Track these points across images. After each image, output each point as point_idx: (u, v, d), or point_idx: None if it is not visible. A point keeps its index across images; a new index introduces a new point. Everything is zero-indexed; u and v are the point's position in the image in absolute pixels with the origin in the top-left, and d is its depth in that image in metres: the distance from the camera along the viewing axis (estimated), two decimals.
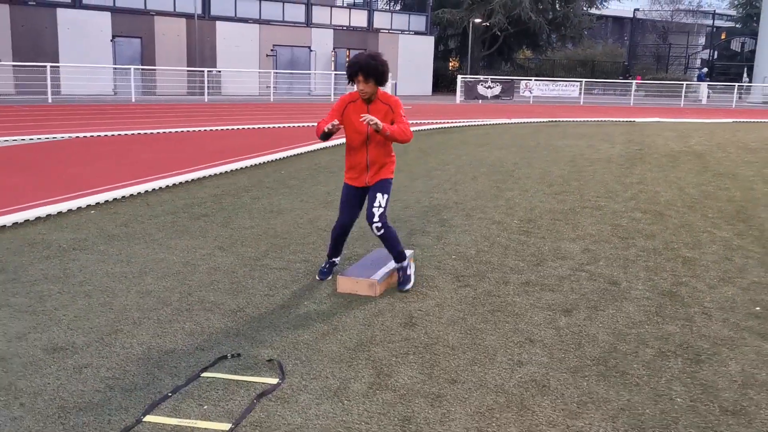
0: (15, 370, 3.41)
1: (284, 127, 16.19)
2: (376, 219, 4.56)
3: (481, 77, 30.04)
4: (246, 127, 15.76)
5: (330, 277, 4.95)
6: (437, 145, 13.54)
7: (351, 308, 4.39)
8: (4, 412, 3.01)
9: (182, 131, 14.43)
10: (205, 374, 3.42)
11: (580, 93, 30.44)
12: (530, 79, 30.92)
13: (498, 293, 4.75)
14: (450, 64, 44.19)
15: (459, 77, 29.74)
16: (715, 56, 49.52)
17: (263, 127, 15.84)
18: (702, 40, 56.53)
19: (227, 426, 2.93)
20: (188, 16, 27.25)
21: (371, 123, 4.27)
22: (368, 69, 4.34)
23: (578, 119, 21.57)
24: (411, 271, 4.83)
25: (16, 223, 6.26)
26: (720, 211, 7.77)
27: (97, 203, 7.20)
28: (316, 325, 4.11)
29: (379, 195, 4.60)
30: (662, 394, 3.31)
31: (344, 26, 32.51)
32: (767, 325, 4.29)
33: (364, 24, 33.10)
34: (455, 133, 16.39)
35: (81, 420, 2.96)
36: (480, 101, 28.86)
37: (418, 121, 18.44)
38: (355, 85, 4.42)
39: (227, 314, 4.25)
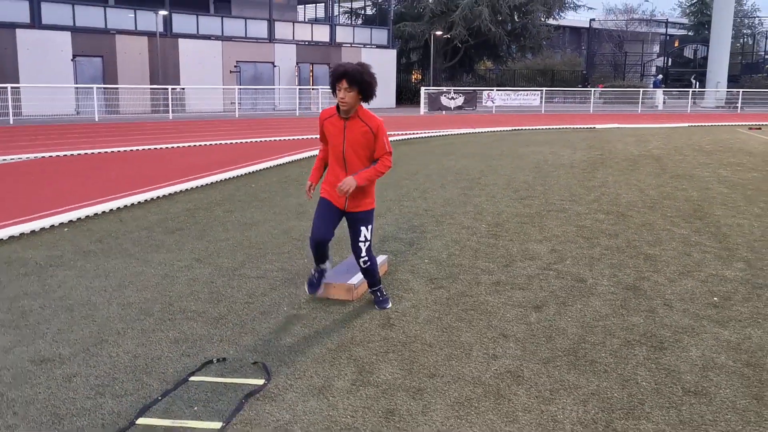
0: (5, 382, 3.48)
1: (251, 142, 16.27)
2: (363, 254, 4.39)
3: (444, 89, 30.49)
4: (213, 143, 15.79)
5: (321, 291, 4.68)
6: (404, 156, 13.75)
7: (330, 312, 4.53)
8: None
9: (148, 149, 14.41)
10: (192, 378, 3.53)
11: (541, 102, 31.07)
12: (492, 89, 31.45)
13: (471, 293, 4.94)
14: (413, 77, 44.67)
15: (422, 89, 30.14)
16: (669, 63, 50.94)
17: (230, 143, 15.89)
18: (656, 48, 58.15)
19: (219, 425, 3.05)
20: (150, 34, 27.15)
21: (342, 192, 4.13)
22: (353, 75, 4.00)
23: (540, 127, 22.05)
24: (384, 291, 4.67)
25: (12, 236, 6.26)
26: (678, 210, 8.10)
27: (70, 221, 7.22)
28: (296, 328, 4.24)
29: (363, 229, 4.37)
30: (629, 379, 3.52)
31: (307, 41, 32.70)
32: (724, 313, 4.55)
33: (327, 39, 33.35)
34: (420, 143, 16.65)
35: (75, 425, 3.05)
36: (444, 112, 29.26)
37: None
38: (337, 94, 4.07)
39: (210, 322, 4.35)
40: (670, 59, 51.45)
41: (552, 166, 12.12)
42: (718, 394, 3.36)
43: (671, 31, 55.69)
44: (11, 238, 6.48)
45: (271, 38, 31.03)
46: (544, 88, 31.63)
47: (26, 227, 6.72)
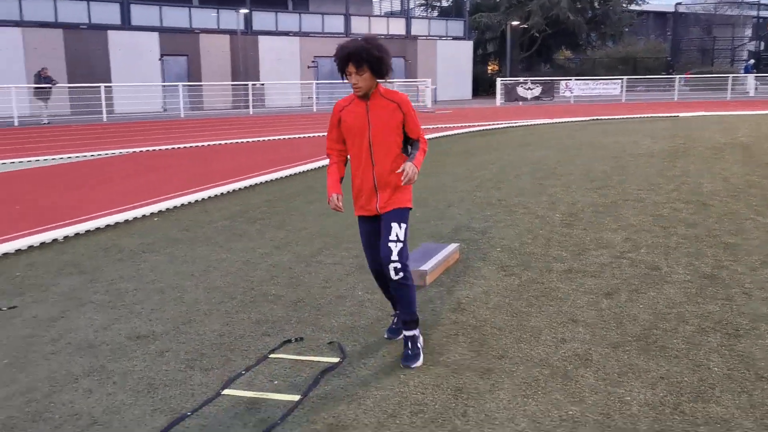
0: (105, 355, 3.81)
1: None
2: (394, 256, 3.53)
3: (521, 79, 30.10)
4: (292, 136, 16.24)
5: (401, 336, 3.84)
6: (479, 147, 13.75)
7: None
8: (101, 389, 3.39)
9: (230, 143, 14.98)
10: (272, 355, 3.75)
11: (622, 90, 30.20)
12: (570, 79, 30.81)
13: (542, 280, 4.99)
14: (489, 68, 44.26)
15: (498, 80, 29.86)
16: (762, 47, 48.38)
17: (308, 136, 16.29)
18: (748, 32, 55.31)
19: (297, 397, 3.25)
20: (231, 33, 28.04)
21: (408, 173, 3.50)
22: (360, 55, 3.47)
23: (620, 117, 21.49)
24: (421, 343, 3.73)
25: (89, 230, 6.75)
26: (764, 199, 7.82)
27: (160, 211, 7.66)
28: (370, 311, 4.42)
29: (395, 225, 3.60)
30: (700, 365, 3.51)
31: (383, 35, 32.94)
32: None
33: (402, 32, 33.50)
34: (496, 134, 16.57)
35: (168, 394, 3.32)
36: (520, 103, 28.91)
37: (459, 125, 18.68)
38: (348, 80, 3.57)
39: (288, 305, 4.59)
40: (762, 43, 48.84)
41: (631, 156, 11.86)
42: None
43: (764, 13, 52.80)
44: (108, 226, 6.95)
45: (347, 32, 31.46)
46: (625, 77, 30.71)
47: (121, 217, 7.19)
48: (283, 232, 6.70)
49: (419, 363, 3.59)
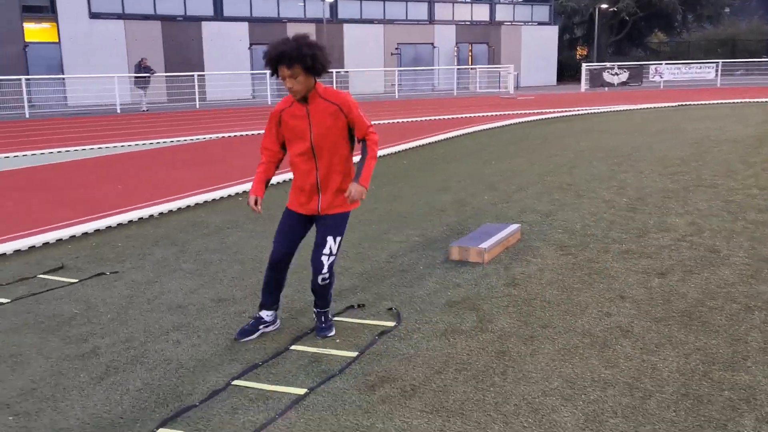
0: (192, 314, 4.33)
1: (408, 121, 16.98)
2: (324, 270, 3.67)
3: (608, 64, 29.39)
4: (372, 122, 16.66)
5: (255, 336, 3.84)
6: (557, 133, 13.76)
7: (461, 272, 5.00)
8: (187, 341, 3.90)
9: None
10: (337, 318, 4.16)
11: (717, 75, 28.99)
12: (660, 63, 29.83)
13: (597, 260, 5.18)
14: (577, 53, 43.31)
15: (583, 65, 29.28)
16: None
17: (388, 122, 16.70)
18: None
19: (355, 354, 3.64)
20: (317, 21, 28.78)
21: (354, 198, 3.56)
22: (290, 55, 3.31)
23: (712, 102, 20.75)
24: (331, 319, 3.99)
25: (180, 208, 7.39)
26: None
27: (243, 191, 8.25)
28: (429, 284, 4.76)
29: (330, 239, 3.67)
30: (738, 339, 3.66)
31: (466, 21, 32.90)
32: None
33: (486, 18, 33.32)
34: (576, 121, 16.45)
35: (243, 347, 3.78)
36: (606, 89, 28.28)
37: (539, 111, 18.61)
38: (283, 83, 3.45)
39: (354, 276, 4.99)
40: None
41: (714, 142, 11.60)
42: None
43: None
44: (197, 204, 7.58)
45: (431, 20, 31.62)
46: (720, 60, 29.45)
47: (208, 196, 7.81)
48: (353, 212, 7.09)
49: (333, 333, 3.87)
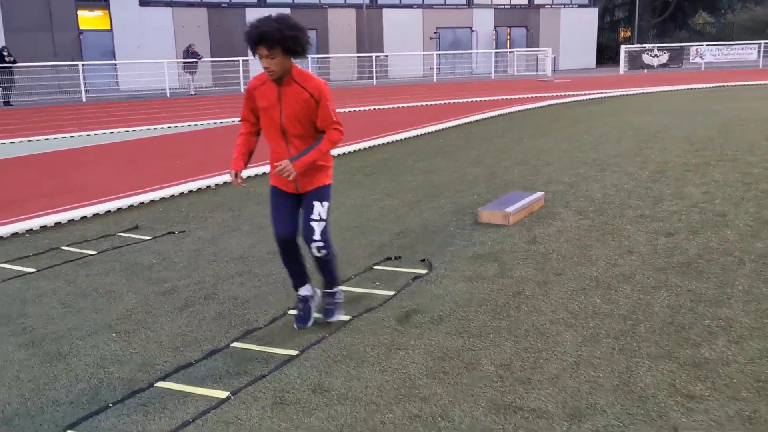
0: (251, 263, 5.02)
1: (445, 103, 17.50)
2: (316, 236, 3.60)
3: (647, 46, 29.32)
4: (411, 104, 17.26)
5: (311, 323, 3.83)
6: (589, 114, 14.14)
7: (487, 232, 5.59)
8: (249, 283, 4.59)
9: (356, 111, 16.23)
10: (376, 267, 4.81)
11: (759, 56, 28.68)
12: (701, 45, 29.63)
13: (612, 223, 5.71)
14: (621, 35, 42.97)
15: (622, 47, 29.27)
16: None
17: (427, 104, 17.24)
18: None
19: (392, 293, 4.28)
20: (357, 6, 29.34)
21: (284, 174, 3.48)
22: (272, 36, 3.27)
23: (752, 83, 20.74)
24: (341, 299, 3.95)
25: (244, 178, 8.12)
26: None
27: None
28: (458, 241, 5.37)
29: (317, 204, 3.62)
30: (726, 284, 4.19)
31: (505, 5, 33.05)
32: None
33: (525, 1, 33.42)
34: (611, 102, 16.76)
35: (255, 317, 4.45)
36: (645, 71, 28.26)
37: (575, 93, 18.92)
38: (261, 63, 3.39)
39: (392, 235, 5.63)
40: None
41: (743, 121, 11.88)
42: None
43: None
44: (248, 177, 8.31)
45: (469, 4, 31.88)
46: (763, 41, 29.10)
47: (259, 170, 8.52)
48: (393, 183, 7.74)
49: (340, 317, 3.85)
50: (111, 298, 4.39)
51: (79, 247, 5.58)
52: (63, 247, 5.57)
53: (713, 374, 3.08)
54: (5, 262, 5.20)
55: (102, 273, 4.90)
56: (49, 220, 6.28)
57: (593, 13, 34.36)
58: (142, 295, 4.43)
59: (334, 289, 3.89)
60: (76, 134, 13.03)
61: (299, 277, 3.84)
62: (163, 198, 7.28)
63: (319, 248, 3.62)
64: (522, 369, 3.22)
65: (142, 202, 7.05)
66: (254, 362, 3.42)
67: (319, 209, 3.61)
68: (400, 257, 5.02)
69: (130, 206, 6.93)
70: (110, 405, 3.02)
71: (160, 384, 3.20)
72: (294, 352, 3.49)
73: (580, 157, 8.89)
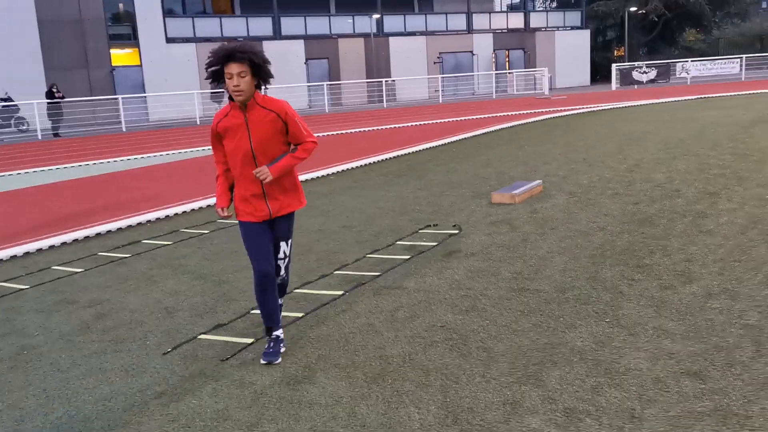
0: (322, 237, 6.87)
1: (452, 120, 19.43)
2: (282, 273, 3.86)
3: (636, 63, 31.37)
4: (422, 123, 19.19)
5: (279, 360, 3.75)
6: (583, 124, 16.04)
7: (499, 209, 7.43)
8: (303, 258, 6.43)
9: (370, 130, 18.16)
10: (420, 231, 6.65)
11: (741, 69, 30.69)
12: (686, 61, 31.68)
13: (594, 199, 7.55)
14: (616, 53, 45.15)
15: (613, 65, 31.32)
16: None
17: (436, 122, 19.18)
18: None
19: (434, 244, 6.11)
20: (365, 36, 31.50)
21: (261, 176, 3.51)
22: (242, 51, 3.37)
23: (730, 94, 22.66)
24: (283, 345, 3.86)
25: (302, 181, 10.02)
26: None
27: (337, 172, 10.82)
28: (478, 214, 7.21)
29: (283, 244, 3.78)
30: (669, 229, 6.01)
31: (503, 29, 35.22)
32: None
33: (521, 25, 35.59)
34: (602, 114, 18.67)
35: (364, 248, 6.29)
36: (635, 86, 30.26)
37: (570, 107, 20.84)
38: (226, 83, 3.43)
39: (427, 213, 7.47)
40: None
41: (715, 126, 13.75)
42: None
43: None
44: (304, 180, 10.19)
45: (469, 29, 34.05)
46: (744, 55, 31.13)
47: (314, 174, 10.41)
48: (421, 181, 9.61)
49: (279, 360, 3.76)
50: (229, 256, 6.25)
51: (194, 229, 7.45)
52: (182, 230, 7.44)
53: (648, 269, 4.91)
54: (149, 239, 7.07)
55: (219, 252, 6.77)
56: (165, 212, 8.16)
57: (585, 34, 36.51)
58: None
59: (280, 333, 3.84)
60: (138, 156, 14.97)
61: (275, 317, 3.79)
62: None
63: (282, 279, 3.91)
64: (528, 274, 5.05)
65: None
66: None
67: (285, 248, 3.82)
68: (437, 224, 6.87)
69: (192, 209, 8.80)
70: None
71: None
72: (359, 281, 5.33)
73: (573, 157, 10.76)
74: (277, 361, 3.74)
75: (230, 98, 3.53)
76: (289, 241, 3.83)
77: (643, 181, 8.39)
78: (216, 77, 3.47)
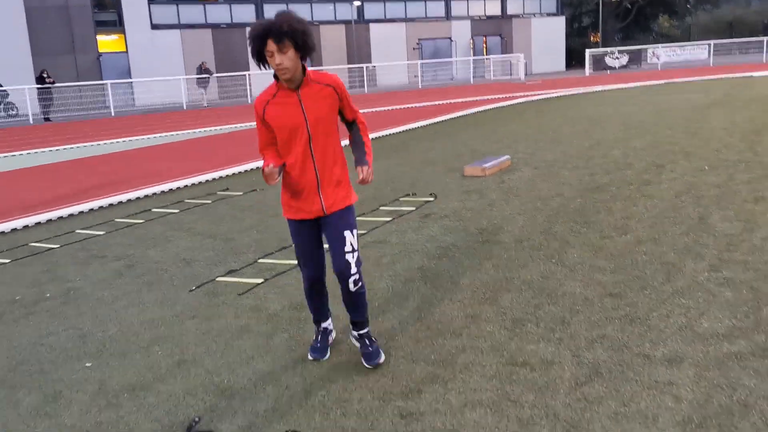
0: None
1: (431, 105, 20.31)
2: (353, 270, 3.35)
3: (608, 49, 32.42)
4: (402, 107, 20.04)
5: (327, 356, 3.62)
6: (553, 108, 16.98)
7: (471, 180, 8.32)
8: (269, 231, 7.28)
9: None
10: (401, 198, 7.53)
11: (709, 55, 31.84)
12: (657, 47, 32.78)
13: (555, 172, 8.47)
14: (592, 39, 46.21)
15: (587, 51, 32.34)
16: None
17: (415, 106, 20.03)
18: None
19: (414, 208, 7.00)
20: (346, 23, 32.17)
21: (366, 180, 3.31)
22: (280, 28, 3.02)
23: (698, 78, 23.75)
24: (375, 339, 3.63)
25: None
26: (742, 133, 10.78)
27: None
28: (452, 185, 8.10)
29: (347, 233, 3.32)
30: (616, 194, 6.94)
31: (480, 16, 36.06)
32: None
33: (499, 12, 36.45)
34: (573, 99, 19.65)
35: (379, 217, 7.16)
36: (608, 72, 31.30)
37: (542, 92, 21.79)
38: (270, 63, 3.09)
39: (407, 184, 8.33)
40: None
41: (673, 109, 14.76)
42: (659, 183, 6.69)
43: None
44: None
45: (448, 16, 34.84)
46: (712, 41, 32.30)
47: None
48: (401, 158, 10.48)
49: (382, 357, 3.51)
50: (235, 220, 7.08)
51: (197, 200, 8.27)
52: (186, 200, 8.25)
53: (593, 224, 5.84)
54: (158, 208, 7.88)
55: (224, 217, 7.61)
56: (168, 185, 8.97)
57: (561, 21, 37.46)
58: (249, 222, 7.11)
59: (368, 328, 3.58)
60: (132, 138, 15.69)
61: (325, 311, 3.69)
62: (233, 174, 9.97)
63: (355, 282, 3.37)
64: (492, 230, 5.96)
65: (220, 176, 9.75)
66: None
67: (351, 239, 3.32)
68: (415, 193, 7.75)
69: (206, 180, 9.61)
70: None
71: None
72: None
73: (540, 137, 11.69)
74: (324, 358, 3.59)
75: (275, 77, 3.20)
76: (355, 232, 3.34)
77: (601, 156, 9.33)
78: (261, 58, 3.13)
